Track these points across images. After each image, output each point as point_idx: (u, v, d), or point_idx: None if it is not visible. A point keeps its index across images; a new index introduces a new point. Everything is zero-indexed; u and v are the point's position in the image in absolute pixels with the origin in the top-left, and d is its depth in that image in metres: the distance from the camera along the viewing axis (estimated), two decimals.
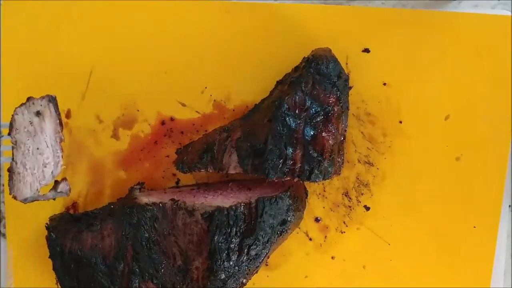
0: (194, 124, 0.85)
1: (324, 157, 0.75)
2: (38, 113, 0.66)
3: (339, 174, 0.79)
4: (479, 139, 0.84)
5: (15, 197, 0.66)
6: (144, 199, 0.78)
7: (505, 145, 0.84)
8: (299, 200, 0.79)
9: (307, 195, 0.83)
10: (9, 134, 0.65)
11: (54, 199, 0.68)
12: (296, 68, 0.80)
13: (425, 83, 0.83)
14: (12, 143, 0.65)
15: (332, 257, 0.86)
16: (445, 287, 0.85)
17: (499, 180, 0.84)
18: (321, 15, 0.83)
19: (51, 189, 0.67)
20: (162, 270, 0.76)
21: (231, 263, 0.74)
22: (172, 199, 0.78)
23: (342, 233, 0.85)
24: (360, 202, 0.85)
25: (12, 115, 0.66)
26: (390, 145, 0.84)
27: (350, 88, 0.81)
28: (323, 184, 0.85)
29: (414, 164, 0.84)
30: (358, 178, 0.85)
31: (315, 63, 0.76)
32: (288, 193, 0.76)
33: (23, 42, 0.84)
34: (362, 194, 0.85)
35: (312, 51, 0.79)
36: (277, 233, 0.76)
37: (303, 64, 0.79)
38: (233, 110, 0.84)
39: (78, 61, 0.84)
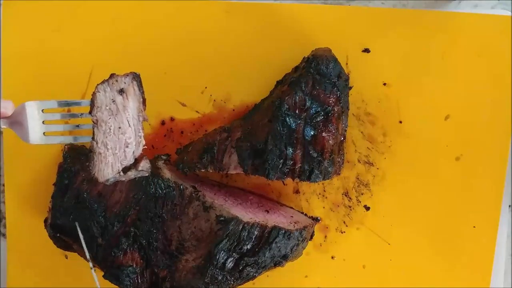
0: (194, 124, 0.85)
1: (324, 157, 0.75)
2: (121, 91, 0.62)
3: (339, 174, 0.79)
4: (479, 139, 0.84)
5: (96, 179, 0.63)
6: (167, 173, 0.78)
7: (505, 145, 0.84)
8: (306, 241, 0.80)
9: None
10: (90, 112, 0.62)
11: (136, 178, 0.65)
12: (296, 68, 0.80)
13: (425, 83, 0.83)
14: (93, 122, 0.62)
15: (332, 257, 0.86)
16: (445, 287, 0.85)
17: (499, 180, 0.84)
18: (321, 15, 0.83)
19: (132, 168, 0.63)
20: (154, 246, 0.76)
21: (223, 272, 0.74)
22: (194, 187, 0.77)
23: (342, 233, 0.85)
24: (360, 202, 0.85)
25: (94, 92, 0.62)
26: (390, 145, 0.84)
27: (350, 88, 0.81)
28: (323, 184, 0.85)
29: (414, 164, 0.84)
30: (358, 178, 0.85)
31: (315, 63, 0.76)
32: (303, 234, 0.78)
33: (23, 42, 0.84)
34: (362, 194, 0.85)
35: (312, 51, 0.79)
36: (274, 263, 0.77)
37: (303, 64, 0.78)
38: (233, 110, 0.84)
39: (78, 61, 0.84)
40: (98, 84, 0.63)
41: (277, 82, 0.82)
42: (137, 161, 0.64)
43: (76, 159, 0.80)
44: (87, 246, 0.77)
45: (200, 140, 0.79)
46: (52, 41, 0.84)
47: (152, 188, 0.76)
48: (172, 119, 0.85)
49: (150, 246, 0.76)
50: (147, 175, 0.65)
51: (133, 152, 0.64)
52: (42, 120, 0.63)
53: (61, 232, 0.78)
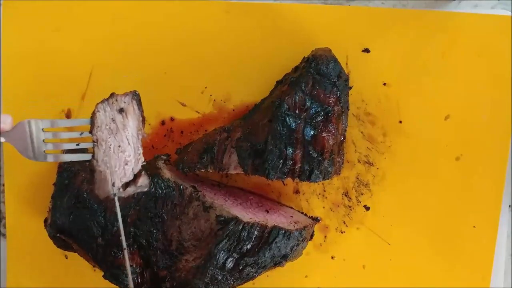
0: (194, 124, 0.85)
1: (324, 157, 0.75)
2: (121, 110, 0.64)
3: (339, 174, 0.79)
4: (479, 139, 0.84)
5: (97, 196, 0.65)
6: (167, 173, 0.78)
7: (505, 145, 0.84)
8: (305, 241, 0.80)
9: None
10: (90, 131, 0.64)
11: (134, 193, 0.66)
12: (296, 68, 0.80)
13: (425, 83, 0.83)
14: (93, 141, 0.64)
15: (332, 257, 0.86)
16: (445, 287, 0.85)
17: (499, 180, 0.84)
18: (321, 15, 0.83)
19: (131, 184, 0.66)
20: (154, 246, 0.76)
21: (223, 272, 0.75)
22: (194, 187, 0.77)
23: (342, 233, 0.85)
24: (360, 202, 0.85)
25: (94, 112, 0.64)
26: (390, 145, 0.84)
27: (350, 88, 0.81)
28: (323, 184, 0.85)
29: (414, 164, 0.84)
30: (358, 178, 0.85)
31: (315, 63, 0.76)
32: (303, 234, 0.78)
33: (23, 42, 0.84)
34: (362, 194, 0.85)
35: (312, 51, 0.79)
36: (274, 263, 0.77)
37: (303, 64, 0.79)
38: (233, 110, 0.84)
39: (78, 61, 0.84)
40: (98, 104, 0.64)
41: (277, 82, 0.82)
42: (136, 177, 0.66)
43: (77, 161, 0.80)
44: (86, 246, 0.77)
45: (200, 140, 0.79)
46: (52, 41, 0.84)
47: (152, 188, 0.76)
48: (172, 119, 0.85)
49: (150, 246, 0.76)
50: (146, 190, 0.66)
51: (132, 169, 0.65)
52: (43, 138, 0.63)
53: (61, 232, 0.78)
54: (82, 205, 0.77)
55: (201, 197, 0.76)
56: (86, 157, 0.65)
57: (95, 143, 0.64)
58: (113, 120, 0.64)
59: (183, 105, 0.85)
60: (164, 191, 0.76)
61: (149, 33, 0.84)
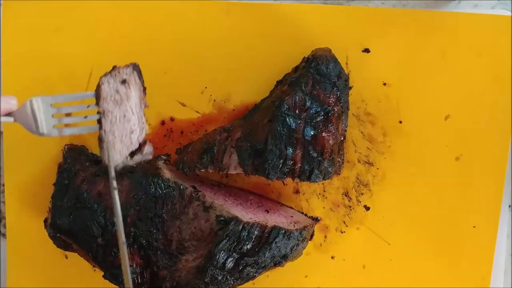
0: (194, 124, 0.85)
1: (324, 157, 0.75)
2: (123, 82, 0.67)
3: (339, 174, 0.79)
4: (479, 139, 0.84)
5: (108, 166, 0.66)
6: (167, 173, 0.78)
7: (505, 145, 0.84)
8: (305, 241, 0.80)
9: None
10: (96, 103, 0.66)
11: (141, 162, 0.69)
12: (296, 68, 0.80)
13: (425, 83, 0.83)
14: (100, 113, 0.66)
15: (332, 257, 0.86)
16: (445, 287, 0.85)
17: (499, 180, 0.84)
18: (321, 15, 0.83)
19: (137, 153, 0.68)
20: (154, 246, 0.75)
21: (223, 272, 0.75)
22: (194, 187, 0.77)
23: (342, 233, 0.85)
24: (360, 202, 0.85)
25: (99, 84, 0.66)
26: (390, 145, 0.84)
27: (350, 88, 0.81)
28: (323, 184, 0.85)
29: (414, 164, 0.84)
30: (358, 178, 0.85)
31: (315, 63, 0.76)
32: (303, 234, 0.78)
33: (23, 42, 0.84)
34: (362, 194, 0.85)
35: (312, 51, 0.79)
36: (274, 263, 0.77)
37: (303, 64, 0.79)
38: (233, 110, 0.84)
39: (78, 61, 0.84)
40: (102, 77, 0.66)
41: (277, 82, 0.82)
42: (141, 145, 0.68)
43: (76, 159, 0.80)
44: (86, 246, 0.77)
45: (200, 140, 0.79)
46: (52, 41, 0.84)
47: (152, 188, 0.76)
48: (172, 119, 0.85)
49: (150, 246, 0.76)
50: (150, 157, 0.69)
51: (138, 138, 0.67)
52: (51, 114, 0.65)
53: (61, 232, 0.78)
54: (82, 205, 0.77)
55: (201, 197, 0.76)
56: (94, 128, 0.67)
57: (102, 115, 0.66)
58: (117, 91, 0.66)
59: (183, 105, 0.85)
60: (164, 191, 0.76)
61: (149, 33, 0.84)
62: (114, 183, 0.66)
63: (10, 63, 0.84)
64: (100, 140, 0.67)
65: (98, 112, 0.67)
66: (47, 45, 0.84)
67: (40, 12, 0.84)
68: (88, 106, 0.67)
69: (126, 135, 0.67)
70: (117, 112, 0.66)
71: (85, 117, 0.68)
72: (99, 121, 0.67)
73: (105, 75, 0.67)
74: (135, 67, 0.68)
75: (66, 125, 0.68)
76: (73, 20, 0.84)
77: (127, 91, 0.67)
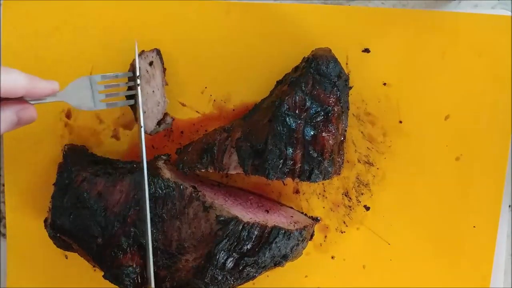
0: (194, 124, 0.85)
1: (324, 157, 0.75)
2: (151, 63, 0.80)
3: (339, 174, 0.79)
4: (479, 139, 0.84)
5: (146, 132, 0.79)
6: (167, 173, 0.78)
7: (505, 145, 0.84)
8: (306, 241, 0.80)
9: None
10: (137, 79, 0.77)
11: (163, 130, 0.82)
12: (296, 68, 0.80)
13: (425, 83, 0.83)
14: (139, 87, 0.77)
15: (332, 257, 0.86)
16: (445, 287, 0.85)
17: (499, 180, 0.84)
18: (321, 15, 0.83)
19: (162, 122, 0.80)
20: (154, 246, 0.75)
21: (223, 272, 0.75)
22: (194, 187, 0.77)
23: (342, 233, 0.85)
24: (360, 202, 0.85)
25: (134, 65, 0.78)
26: (390, 145, 0.84)
27: (350, 88, 0.81)
28: (323, 184, 0.85)
29: (414, 164, 0.84)
30: (358, 178, 0.85)
31: (315, 63, 0.76)
32: (303, 234, 0.78)
33: (23, 41, 0.84)
34: (362, 194, 0.85)
35: (312, 51, 0.79)
36: (274, 263, 0.77)
37: (303, 64, 0.78)
38: (233, 110, 0.84)
39: (79, 61, 0.84)
40: (134, 59, 0.78)
41: (277, 82, 0.82)
42: (164, 116, 0.81)
43: (76, 159, 0.80)
44: (86, 246, 0.77)
45: (200, 140, 0.79)
46: (52, 41, 0.84)
47: (152, 188, 0.76)
48: (172, 119, 0.84)
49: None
50: (171, 126, 0.82)
51: (162, 109, 0.80)
52: (97, 90, 0.75)
53: (61, 232, 0.78)
54: (82, 205, 0.77)
55: (201, 197, 0.76)
56: (131, 102, 0.78)
57: (141, 90, 0.78)
58: (147, 71, 0.79)
59: (183, 105, 0.85)
60: (164, 191, 0.76)
61: (149, 33, 0.84)
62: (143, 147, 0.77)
63: (10, 62, 0.84)
64: (135, 111, 0.79)
65: (131, 88, 0.78)
66: (47, 45, 0.84)
67: (40, 12, 0.84)
68: (127, 83, 0.78)
69: (154, 107, 0.80)
70: (147, 88, 0.79)
71: (128, 90, 0.79)
72: (134, 96, 0.78)
73: (139, 56, 0.79)
74: (158, 52, 0.81)
75: (109, 99, 0.77)
76: (73, 20, 0.84)
77: (153, 71, 0.80)
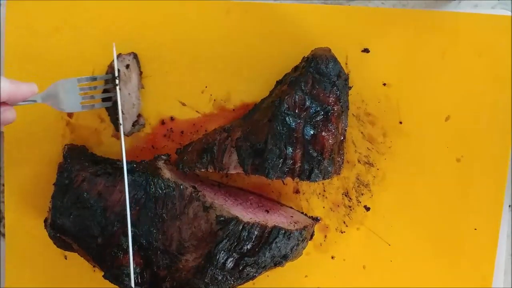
0: (194, 124, 0.85)
1: (324, 156, 0.75)
2: (127, 66, 0.82)
3: (339, 173, 0.79)
4: (480, 140, 0.84)
5: (123, 134, 0.80)
6: (167, 173, 0.78)
7: (505, 146, 0.84)
8: (306, 241, 0.80)
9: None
10: (116, 80, 0.80)
11: (138, 131, 0.84)
12: (295, 68, 0.80)
13: (425, 83, 0.83)
14: (118, 90, 0.80)
15: (332, 257, 0.85)
16: None
17: (500, 181, 0.84)
18: (321, 15, 0.83)
19: (136, 124, 0.83)
20: (154, 246, 0.75)
21: (223, 272, 0.75)
22: (194, 187, 0.77)
23: (342, 233, 0.85)
24: (360, 202, 0.85)
25: (117, 67, 0.80)
26: (390, 145, 0.84)
27: (350, 88, 0.81)
28: (323, 184, 0.85)
29: (414, 165, 0.84)
30: (358, 178, 0.85)
31: (314, 62, 0.76)
32: (303, 234, 0.78)
33: (26, 41, 0.84)
34: (362, 194, 0.85)
35: (312, 50, 0.79)
36: (274, 263, 0.77)
37: (302, 63, 0.79)
38: (233, 110, 0.85)
39: (80, 61, 0.84)
40: (112, 61, 0.81)
41: (277, 82, 0.82)
42: (138, 117, 0.83)
43: (76, 159, 0.80)
44: (86, 246, 0.77)
45: (200, 140, 0.80)
46: (55, 41, 0.84)
47: (152, 188, 0.76)
48: (172, 119, 0.85)
49: (150, 246, 0.76)
50: (144, 127, 0.84)
51: (136, 111, 0.82)
52: (77, 92, 0.78)
53: (61, 232, 0.78)
54: (82, 205, 0.77)
55: (201, 197, 0.76)
56: (108, 104, 0.82)
57: (119, 91, 0.80)
58: (124, 73, 0.81)
59: (183, 104, 0.85)
60: (164, 191, 0.76)
61: (149, 33, 0.84)
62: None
63: (12, 61, 0.84)
64: (111, 113, 0.83)
65: (108, 91, 0.82)
66: (50, 44, 0.84)
67: (43, 11, 0.84)
68: (104, 85, 0.81)
69: (129, 108, 0.82)
70: (124, 90, 0.81)
71: (104, 92, 0.82)
72: (111, 98, 0.82)
73: (117, 58, 0.81)
74: (135, 56, 0.83)
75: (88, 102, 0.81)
76: (75, 20, 0.84)
77: (130, 74, 0.82)
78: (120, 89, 0.81)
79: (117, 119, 0.80)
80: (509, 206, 0.85)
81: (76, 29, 0.84)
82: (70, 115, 0.85)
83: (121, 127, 0.79)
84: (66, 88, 0.77)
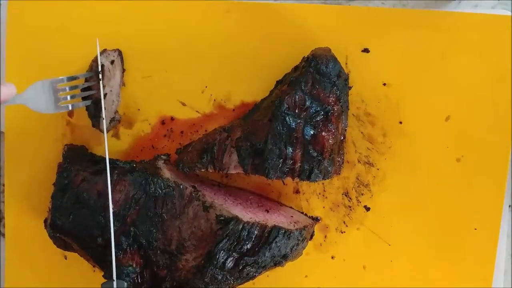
0: (194, 124, 0.85)
1: (324, 156, 0.75)
2: (112, 62, 0.81)
3: (339, 173, 0.79)
4: (480, 140, 0.84)
5: (101, 130, 0.81)
6: (167, 173, 0.78)
7: (506, 146, 0.83)
8: (305, 241, 0.80)
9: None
10: (101, 78, 0.80)
11: (115, 127, 0.85)
12: (295, 68, 0.80)
13: (425, 83, 0.83)
14: (102, 86, 0.80)
15: (332, 257, 0.85)
16: None
17: (500, 181, 0.84)
18: (321, 15, 0.83)
19: (113, 120, 0.83)
20: (154, 246, 0.75)
21: (223, 272, 0.75)
22: (193, 187, 0.77)
23: (342, 233, 0.85)
24: (360, 202, 0.85)
25: (98, 63, 0.80)
26: (390, 145, 0.84)
27: (350, 88, 0.81)
28: (323, 184, 0.85)
29: (414, 165, 0.84)
30: (358, 178, 0.85)
31: (314, 62, 0.76)
32: (303, 234, 0.78)
33: (27, 40, 0.84)
34: (362, 194, 0.85)
35: (312, 50, 0.79)
36: (274, 263, 0.77)
37: (302, 63, 0.79)
38: (233, 110, 0.85)
39: (81, 60, 0.84)
40: (96, 56, 0.80)
41: (277, 82, 0.82)
42: (115, 114, 0.83)
43: (76, 159, 0.80)
44: (86, 246, 0.77)
45: (200, 140, 0.80)
46: (56, 40, 0.84)
47: (152, 188, 0.76)
48: (172, 119, 0.85)
49: (150, 246, 0.76)
50: (119, 123, 0.85)
51: (115, 108, 0.83)
52: (56, 92, 0.77)
53: (61, 232, 0.78)
54: (82, 205, 0.77)
55: (201, 197, 0.76)
56: (88, 102, 0.81)
57: (102, 88, 0.80)
58: (109, 69, 0.81)
59: (183, 104, 0.85)
60: (164, 191, 0.76)
61: (149, 33, 0.84)
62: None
63: (14, 61, 0.85)
64: (91, 111, 0.81)
65: (90, 88, 0.81)
66: (50, 44, 0.84)
67: (44, 11, 0.84)
68: (84, 83, 0.80)
69: (109, 105, 0.82)
70: (107, 86, 0.81)
71: (86, 90, 0.81)
72: (93, 96, 0.81)
73: (101, 54, 0.81)
74: (120, 53, 0.83)
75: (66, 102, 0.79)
76: (76, 19, 0.84)
77: (114, 70, 0.81)
78: (104, 85, 0.80)
79: (96, 115, 0.80)
80: (509, 206, 0.85)
81: (78, 28, 0.84)
82: (70, 115, 0.85)
83: (104, 122, 0.79)
84: (43, 89, 0.76)
